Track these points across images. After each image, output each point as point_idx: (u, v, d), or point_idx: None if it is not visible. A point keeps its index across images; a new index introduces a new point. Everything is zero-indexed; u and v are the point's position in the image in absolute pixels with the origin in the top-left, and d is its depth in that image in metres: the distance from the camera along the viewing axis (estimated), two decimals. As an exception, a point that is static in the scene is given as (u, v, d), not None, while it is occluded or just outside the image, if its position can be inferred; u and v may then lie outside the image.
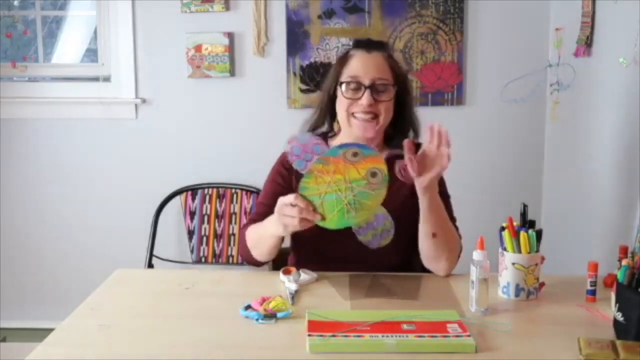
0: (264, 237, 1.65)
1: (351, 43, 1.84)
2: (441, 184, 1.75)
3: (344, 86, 1.71)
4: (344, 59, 1.76)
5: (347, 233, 1.56)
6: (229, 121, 2.98)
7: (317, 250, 1.73)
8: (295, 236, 1.79)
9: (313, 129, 1.79)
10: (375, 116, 1.70)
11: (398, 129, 1.79)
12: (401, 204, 1.67)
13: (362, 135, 1.71)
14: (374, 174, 1.45)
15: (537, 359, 1.25)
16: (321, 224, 1.47)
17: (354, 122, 1.71)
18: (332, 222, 1.47)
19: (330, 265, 1.70)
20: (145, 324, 1.40)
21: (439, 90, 2.92)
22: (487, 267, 1.43)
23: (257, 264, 1.73)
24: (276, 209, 1.52)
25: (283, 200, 1.50)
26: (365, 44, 1.77)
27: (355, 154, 1.45)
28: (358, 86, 1.70)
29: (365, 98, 1.68)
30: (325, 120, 1.80)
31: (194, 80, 2.96)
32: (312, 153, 1.47)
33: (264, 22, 2.91)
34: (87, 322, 1.41)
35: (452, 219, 1.74)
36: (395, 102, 1.74)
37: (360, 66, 1.72)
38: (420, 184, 1.57)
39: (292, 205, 1.47)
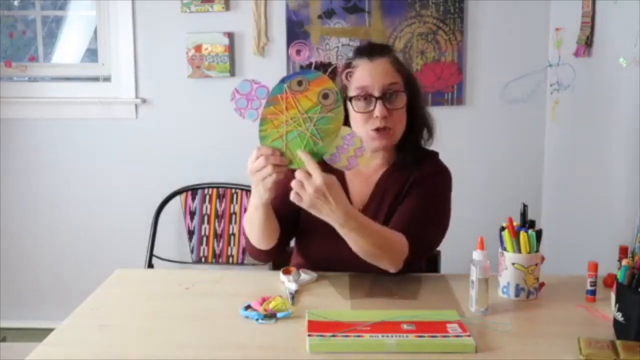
0: (251, 214, 1.58)
1: (353, 43, 1.78)
2: (438, 184, 1.71)
3: (353, 101, 1.63)
4: (347, 72, 1.68)
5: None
6: (229, 121, 2.96)
7: (315, 252, 1.73)
8: (298, 239, 1.79)
9: None
10: (389, 128, 1.63)
11: (409, 133, 1.71)
12: (388, 206, 1.69)
13: (377, 145, 1.65)
14: (325, 96, 1.39)
15: (537, 359, 1.25)
16: (295, 166, 1.41)
17: (371, 135, 1.63)
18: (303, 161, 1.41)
19: (332, 263, 1.70)
20: (145, 324, 1.40)
21: (439, 90, 2.92)
22: (487, 267, 1.43)
23: (261, 257, 1.68)
24: (249, 175, 1.45)
25: (249, 162, 1.43)
26: (367, 51, 1.69)
27: (300, 83, 1.40)
28: (368, 99, 1.62)
29: (378, 110, 1.60)
30: None
31: (194, 80, 2.96)
32: (258, 99, 1.42)
33: (264, 22, 2.91)
34: (87, 322, 1.41)
35: (428, 222, 1.64)
36: (406, 106, 1.67)
37: (366, 76, 1.64)
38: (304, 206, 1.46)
39: (258, 158, 1.41)
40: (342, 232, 1.49)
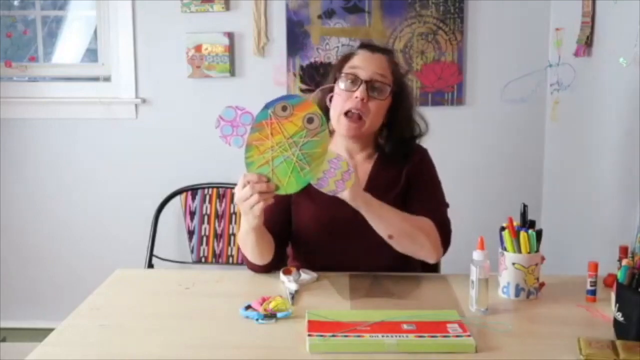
0: (244, 237, 1.62)
1: (353, 43, 1.83)
2: (429, 167, 1.77)
3: (341, 79, 1.69)
4: (346, 57, 1.75)
5: (343, 238, 1.56)
6: (229, 121, 2.97)
7: (313, 256, 1.74)
8: (293, 245, 1.80)
9: None
10: (361, 117, 1.67)
11: (390, 135, 1.76)
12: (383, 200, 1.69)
13: (346, 134, 1.70)
14: (310, 120, 1.41)
15: (537, 359, 1.25)
16: (282, 192, 1.43)
17: (342, 121, 1.68)
18: (291, 186, 1.43)
19: (329, 265, 1.70)
20: (145, 324, 1.40)
21: (439, 90, 2.92)
22: (487, 267, 1.43)
23: (260, 270, 1.70)
24: (236, 203, 1.49)
25: (236, 189, 1.46)
26: (370, 46, 1.78)
27: (284, 108, 1.40)
28: (355, 80, 1.68)
29: (359, 91, 1.65)
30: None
31: (194, 80, 2.96)
32: (243, 126, 1.42)
33: (264, 22, 2.91)
34: (87, 322, 1.41)
35: (438, 203, 1.73)
36: (390, 107, 1.73)
37: (361, 62, 1.71)
38: (344, 197, 1.53)
39: (245, 186, 1.43)
40: (370, 217, 1.57)
